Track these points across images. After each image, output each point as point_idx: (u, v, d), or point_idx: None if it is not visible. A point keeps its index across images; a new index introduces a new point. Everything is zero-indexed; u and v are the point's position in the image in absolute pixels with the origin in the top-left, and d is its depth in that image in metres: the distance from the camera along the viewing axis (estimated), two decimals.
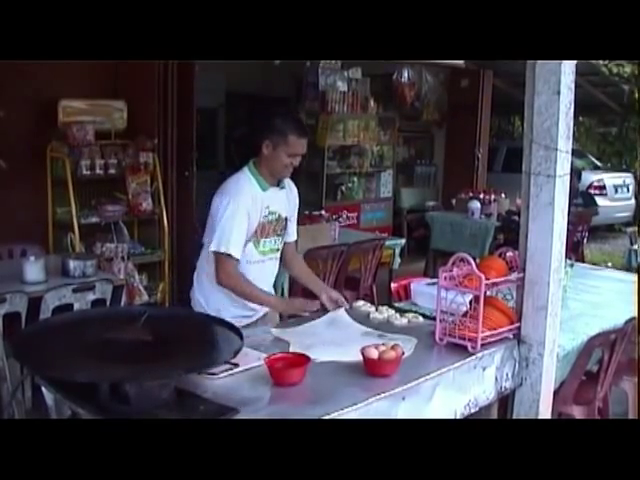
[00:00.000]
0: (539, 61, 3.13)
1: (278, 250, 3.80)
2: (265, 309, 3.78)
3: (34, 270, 4.76)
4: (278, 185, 3.70)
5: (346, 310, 3.64)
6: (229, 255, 3.47)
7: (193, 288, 3.82)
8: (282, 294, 5.80)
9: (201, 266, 3.76)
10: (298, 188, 3.84)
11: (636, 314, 3.90)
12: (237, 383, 2.68)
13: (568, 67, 3.11)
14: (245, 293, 3.58)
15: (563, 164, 3.19)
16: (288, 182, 3.81)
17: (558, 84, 3.09)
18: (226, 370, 2.69)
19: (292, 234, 3.89)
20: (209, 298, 3.70)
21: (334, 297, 3.66)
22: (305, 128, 3.71)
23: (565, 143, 3.17)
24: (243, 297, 3.60)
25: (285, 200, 3.77)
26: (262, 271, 3.71)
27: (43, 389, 2.66)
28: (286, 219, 3.79)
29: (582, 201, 9.66)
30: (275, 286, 5.78)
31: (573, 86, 3.17)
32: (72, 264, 4.95)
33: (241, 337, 2.61)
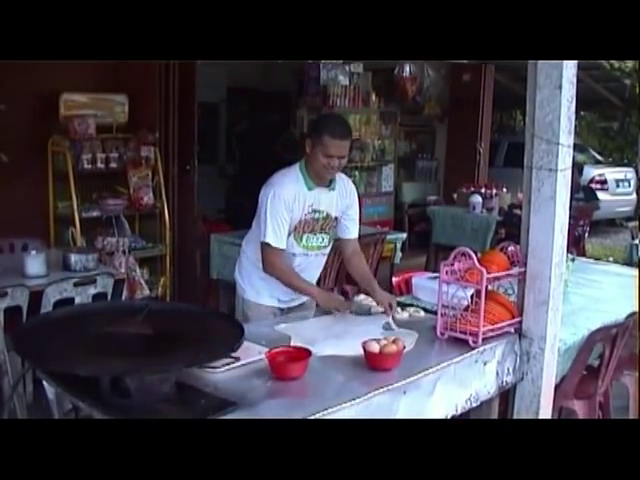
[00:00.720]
0: None
1: (326, 247, 3.84)
2: (303, 298, 3.85)
3: (35, 264, 4.75)
4: (329, 185, 3.70)
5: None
6: (271, 245, 3.55)
7: (236, 267, 3.99)
8: None
9: (243, 247, 3.95)
10: None
11: (637, 309, 3.90)
12: (238, 377, 2.69)
13: (570, 62, 3.10)
14: (287, 282, 3.64)
15: (565, 158, 3.19)
16: (344, 182, 3.83)
17: (560, 78, 3.09)
18: (227, 364, 2.70)
19: (350, 232, 3.87)
20: (244, 277, 3.88)
21: (388, 299, 3.57)
22: (344, 130, 3.63)
23: (567, 137, 3.17)
24: (286, 286, 3.67)
25: (335, 200, 3.76)
26: (306, 264, 3.77)
27: (44, 383, 2.66)
28: (336, 218, 3.79)
29: (583, 195, 9.65)
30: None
31: (575, 80, 3.17)
32: (73, 258, 4.94)
33: (242, 331, 2.61)
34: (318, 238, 3.75)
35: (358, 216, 3.93)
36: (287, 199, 3.56)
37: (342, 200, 3.80)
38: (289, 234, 3.63)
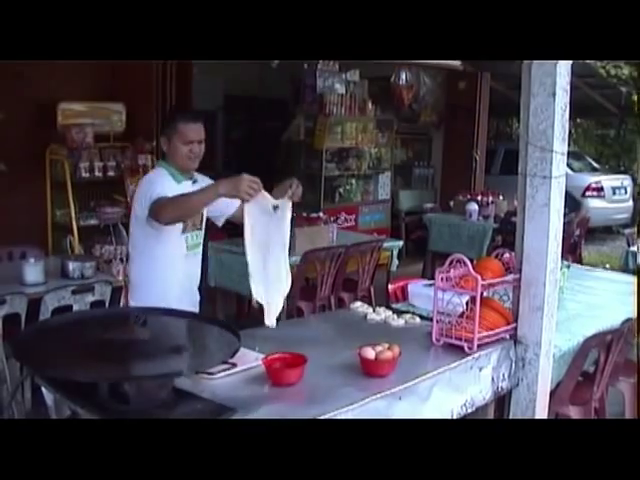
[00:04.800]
0: (534, 63, 3.15)
1: (199, 246, 3.76)
2: None
3: (34, 272, 4.78)
4: (191, 179, 3.64)
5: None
6: (159, 198, 3.34)
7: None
8: None
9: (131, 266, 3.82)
10: None
11: (635, 315, 3.92)
12: (235, 383, 2.71)
13: (563, 69, 3.13)
14: (184, 201, 3.33)
15: (559, 165, 3.21)
16: (201, 177, 3.73)
17: (553, 86, 3.12)
18: (224, 370, 2.71)
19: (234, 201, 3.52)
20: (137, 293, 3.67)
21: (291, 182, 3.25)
22: (194, 113, 3.75)
23: (561, 145, 3.20)
24: (187, 207, 3.36)
25: None
26: (190, 266, 3.72)
27: (43, 389, 2.68)
28: (202, 214, 3.68)
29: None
30: None
31: (569, 88, 3.19)
32: (71, 266, 4.97)
33: (239, 337, 2.62)
34: (192, 236, 3.66)
35: None
36: (163, 185, 3.45)
37: None
38: (182, 231, 3.55)
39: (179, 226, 3.54)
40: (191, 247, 3.68)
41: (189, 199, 3.34)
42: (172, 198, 3.34)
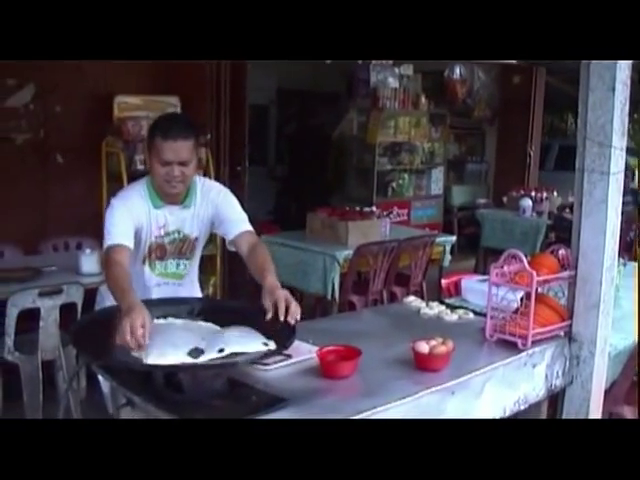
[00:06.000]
0: None
1: (183, 276, 3.31)
2: None
3: (89, 262, 4.87)
4: (182, 203, 3.16)
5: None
6: (116, 245, 2.90)
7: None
8: (332, 290, 5.85)
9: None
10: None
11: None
12: (289, 375, 2.72)
13: (624, 63, 3.08)
14: (111, 286, 2.75)
15: (617, 161, 3.16)
16: (203, 190, 3.22)
17: (613, 80, 3.07)
18: (278, 361, 2.73)
19: (232, 232, 3.19)
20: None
21: (280, 297, 2.75)
22: (180, 128, 2.99)
23: (620, 140, 3.15)
24: (111, 292, 2.74)
25: (192, 219, 3.20)
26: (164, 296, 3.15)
27: (99, 377, 2.72)
28: (196, 239, 3.25)
29: (631, 199, 9.47)
30: (325, 282, 5.86)
31: (629, 82, 3.14)
32: None
33: (294, 329, 2.63)
34: (174, 264, 3.25)
35: (239, 211, 3.26)
36: (129, 206, 3.04)
37: (205, 214, 3.21)
38: (142, 263, 3.15)
39: (138, 255, 3.11)
40: (169, 275, 3.26)
41: (112, 290, 2.72)
42: (109, 270, 2.80)
